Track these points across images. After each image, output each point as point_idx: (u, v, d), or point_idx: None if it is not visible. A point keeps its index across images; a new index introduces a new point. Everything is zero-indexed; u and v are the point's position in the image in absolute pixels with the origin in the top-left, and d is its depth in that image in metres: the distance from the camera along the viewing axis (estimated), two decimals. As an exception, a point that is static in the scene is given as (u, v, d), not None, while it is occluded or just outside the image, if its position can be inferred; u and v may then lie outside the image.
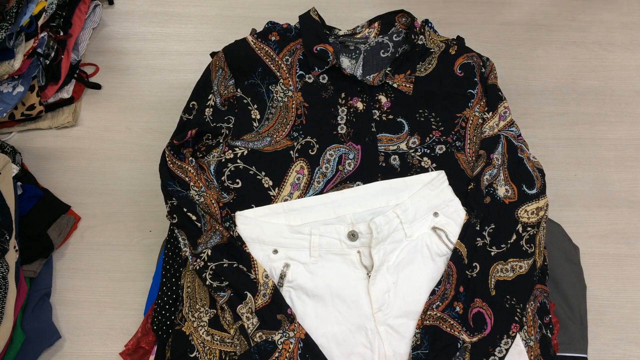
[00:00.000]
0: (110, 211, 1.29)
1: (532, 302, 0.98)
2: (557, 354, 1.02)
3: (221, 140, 1.06)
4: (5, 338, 1.04)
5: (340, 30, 1.16)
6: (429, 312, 0.92)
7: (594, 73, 1.47)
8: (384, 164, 1.04)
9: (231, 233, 0.96)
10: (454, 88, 1.11)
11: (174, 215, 0.99)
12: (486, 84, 1.11)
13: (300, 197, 1.02)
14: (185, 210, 0.98)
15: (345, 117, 1.08)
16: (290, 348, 0.89)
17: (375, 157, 1.05)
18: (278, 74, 1.11)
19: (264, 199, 1.03)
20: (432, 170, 1.04)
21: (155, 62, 1.48)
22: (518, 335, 0.93)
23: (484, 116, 1.07)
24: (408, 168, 1.05)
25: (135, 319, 1.15)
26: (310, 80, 1.10)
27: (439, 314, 0.91)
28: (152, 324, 1.02)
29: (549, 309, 1.01)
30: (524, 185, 1.02)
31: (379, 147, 1.06)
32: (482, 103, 1.09)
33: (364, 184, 1.02)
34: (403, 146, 1.07)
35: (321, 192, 1.02)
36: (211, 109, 1.08)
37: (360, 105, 1.09)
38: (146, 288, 1.15)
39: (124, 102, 1.42)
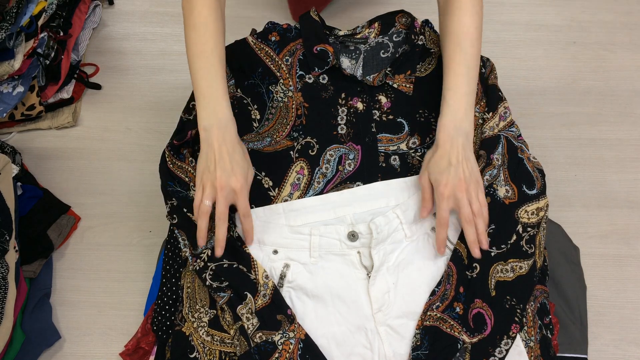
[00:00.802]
0: (110, 211, 1.29)
1: (532, 303, 0.97)
2: (557, 354, 1.02)
3: None
4: (5, 338, 1.04)
5: (340, 30, 1.16)
6: (429, 313, 0.92)
7: (594, 73, 1.47)
8: (384, 164, 1.04)
9: (231, 233, 0.96)
10: (454, 88, 1.11)
11: (174, 216, 0.99)
12: (486, 85, 1.11)
13: (300, 197, 1.02)
14: (185, 210, 0.98)
15: (345, 117, 1.08)
16: (290, 349, 0.88)
17: (375, 158, 1.05)
18: (278, 74, 1.11)
19: (264, 200, 1.03)
20: None
21: (156, 63, 1.48)
22: (518, 336, 0.93)
23: (484, 116, 1.07)
24: (408, 168, 1.05)
25: (135, 319, 1.15)
26: (311, 81, 1.10)
27: (439, 315, 0.91)
28: (152, 325, 1.02)
29: (549, 309, 1.01)
30: (524, 186, 1.02)
31: (379, 148, 1.06)
32: (482, 103, 1.09)
33: (364, 184, 1.02)
34: (403, 146, 1.06)
35: (321, 192, 1.02)
36: None
37: (360, 106, 1.09)
38: (146, 288, 1.15)
39: (124, 103, 1.42)
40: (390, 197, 1.00)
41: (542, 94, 1.44)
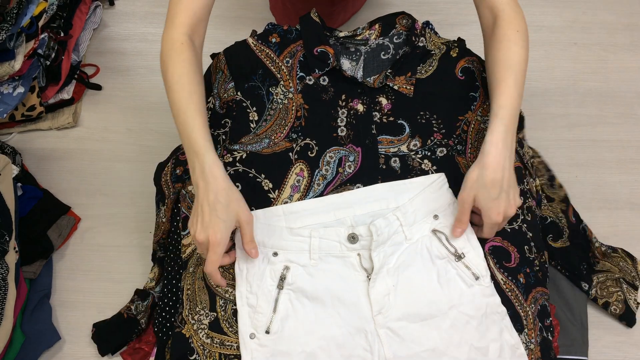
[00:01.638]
0: (110, 212, 1.29)
1: (532, 305, 0.97)
2: (558, 356, 1.02)
3: (219, 146, 1.07)
4: (5, 339, 1.04)
5: (340, 31, 1.16)
6: None
7: (595, 74, 1.47)
8: (384, 167, 1.04)
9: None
10: (456, 90, 1.11)
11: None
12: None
13: (300, 199, 1.02)
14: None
15: (345, 119, 1.07)
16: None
17: (375, 160, 1.04)
18: (278, 75, 1.10)
19: (264, 202, 1.02)
20: (432, 173, 1.04)
21: (156, 63, 1.48)
22: (519, 338, 0.93)
23: (486, 119, 1.07)
24: (408, 170, 1.04)
25: (135, 320, 1.15)
26: (311, 82, 1.10)
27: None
28: (154, 326, 1.02)
29: (550, 311, 1.01)
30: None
31: (380, 150, 1.05)
32: (484, 106, 1.08)
33: (364, 186, 1.02)
34: (404, 148, 1.06)
35: (321, 194, 1.02)
36: (210, 112, 1.08)
37: (360, 107, 1.08)
38: (146, 289, 1.15)
39: (125, 103, 1.42)
40: (390, 199, 1.00)
41: (543, 95, 1.43)
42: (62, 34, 1.36)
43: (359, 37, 1.16)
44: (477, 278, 0.96)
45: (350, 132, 1.06)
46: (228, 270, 0.96)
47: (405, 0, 1.58)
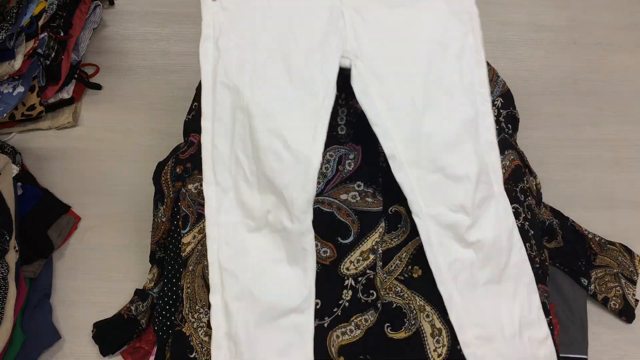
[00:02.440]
0: (110, 212, 1.29)
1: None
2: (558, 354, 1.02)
3: None
4: (5, 339, 1.04)
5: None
6: None
7: (595, 74, 1.47)
8: (384, 164, 1.04)
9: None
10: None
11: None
12: (502, 90, 1.13)
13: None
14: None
15: (345, 117, 1.08)
16: None
17: (375, 158, 1.04)
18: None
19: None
20: None
21: (156, 63, 1.48)
22: (483, 49, 1.00)
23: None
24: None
25: (135, 319, 1.15)
26: (311, 81, 1.10)
27: None
28: (154, 325, 1.02)
29: (550, 309, 1.01)
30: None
31: (379, 148, 1.06)
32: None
33: (364, 185, 1.02)
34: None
35: (321, 192, 1.02)
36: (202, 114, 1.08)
37: (360, 106, 1.09)
38: (146, 289, 1.15)
39: (125, 103, 1.42)
40: None
41: (542, 94, 1.43)
42: (62, 34, 1.36)
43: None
44: None
45: (350, 130, 1.06)
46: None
47: (404, 0, 1.58)
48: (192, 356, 0.92)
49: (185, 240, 1.00)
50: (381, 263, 0.97)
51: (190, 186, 1.03)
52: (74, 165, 1.34)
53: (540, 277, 1.00)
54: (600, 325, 1.16)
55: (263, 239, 0.94)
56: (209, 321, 0.93)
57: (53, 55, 1.33)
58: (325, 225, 0.99)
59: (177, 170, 1.06)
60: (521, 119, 1.22)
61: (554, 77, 1.46)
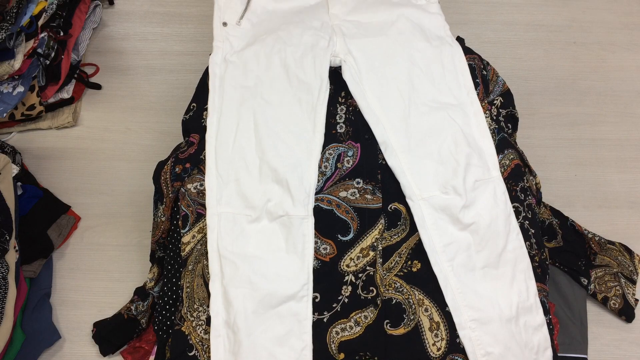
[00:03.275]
0: (110, 211, 1.29)
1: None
2: (558, 354, 1.02)
3: None
4: (5, 338, 1.04)
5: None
6: None
7: (595, 73, 1.47)
8: (383, 162, 1.04)
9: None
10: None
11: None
12: (502, 90, 1.14)
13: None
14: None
15: (344, 115, 1.08)
16: None
17: (374, 155, 1.05)
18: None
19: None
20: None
21: (156, 63, 1.48)
22: (445, 26, 1.13)
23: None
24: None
25: (135, 319, 1.15)
26: (310, 80, 1.10)
27: None
28: (154, 324, 1.02)
29: (549, 309, 1.01)
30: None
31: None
32: (483, 104, 1.09)
33: (363, 182, 1.02)
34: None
35: (320, 190, 1.02)
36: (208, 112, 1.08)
37: (358, 103, 1.09)
38: (146, 288, 1.15)
39: (124, 103, 1.42)
40: None
41: (542, 94, 1.44)
42: (61, 33, 1.36)
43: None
44: None
45: (349, 128, 1.07)
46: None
47: (404, 0, 1.58)
48: (191, 354, 0.92)
49: (184, 239, 1.00)
50: (381, 260, 0.97)
51: (189, 186, 1.03)
52: (74, 165, 1.34)
53: (540, 276, 1.00)
54: (600, 325, 1.16)
55: (262, 228, 0.98)
56: (208, 319, 0.94)
57: (53, 55, 1.33)
58: (325, 222, 0.99)
59: (177, 169, 1.06)
60: (521, 119, 1.22)
61: (553, 77, 1.46)
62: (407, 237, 0.98)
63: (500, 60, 1.45)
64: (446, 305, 0.93)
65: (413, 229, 0.98)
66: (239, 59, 1.11)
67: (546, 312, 0.99)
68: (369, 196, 1.01)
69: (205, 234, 0.98)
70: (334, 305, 0.94)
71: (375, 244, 0.97)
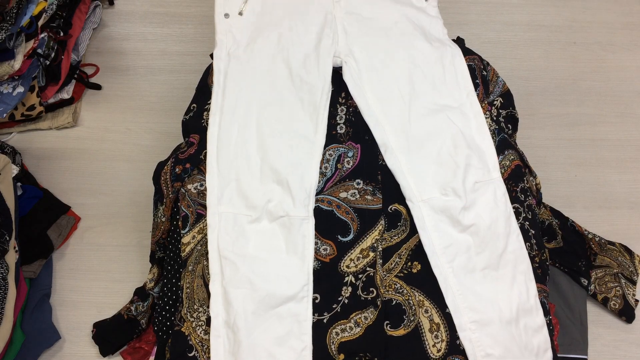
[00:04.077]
0: (110, 212, 1.29)
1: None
2: (558, 354, 1.02)
3: None
4: (5, 338, 1.04)
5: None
6: None
7: (595, 74, 1.47)
8: (383, 163, 1.04)
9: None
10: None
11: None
12: (502, 90, 1.14)
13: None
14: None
15: (344, 116, 1.08)
16: None
17: (374, 156, 1.05)
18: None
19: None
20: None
21: (156, 63, 1.48)
22: (443, 30, 1.13)
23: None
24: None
25: (135, 319, 1.15)
26: (311, 80, 1.10)
27: None
28: (154, 325, 1.02)
29: (549, 310, 1.01)
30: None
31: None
32: (483, 105, 1.09)
33: (364, 182, 1.02)
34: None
35: (321, 191, 1.02)
36: (208, 113, 1.08)
37: (358, 104, 1.09)
38: (146, 288, 1.15)
39: (124, 103, 1.42)
40: None
41: (542, 94, 1.44)
42: (61, 34, 1.36)
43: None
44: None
45: (349, 129, 1.07)
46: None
47: (404, 0, 1.58)
48: (191, 355, 0.92)
49: (184, 240, 1.00)
50: (381, 261, 0.97)
51: (189, 186, 1.03)
52: (74, 165, 1.34)
53: (540, 277, 1.00)
54: (600, 325, 1.16)
55: (262, 228, 0.98)
56: (207, 319, 0.94)
57: (53, 55, 1.33)
58: (325, 223, 0.99)
59: (177, 170, 1.06)
60: (521, 119, 1.22)
61: (553, 77, 1.46)
62: (407, 238, 0.99)
63: (500, 61, 1.45)
64: (446, 307, 0.93)
65: (413, 230, 0.98)
66: (242, 55, 1.10)
67: (546, 313, 0.99)
68: (369, 197, 1.01)
69: (205, 235, 0.98)
70: (334, 306, 0.94)
71: (375, 244, 0.97)
